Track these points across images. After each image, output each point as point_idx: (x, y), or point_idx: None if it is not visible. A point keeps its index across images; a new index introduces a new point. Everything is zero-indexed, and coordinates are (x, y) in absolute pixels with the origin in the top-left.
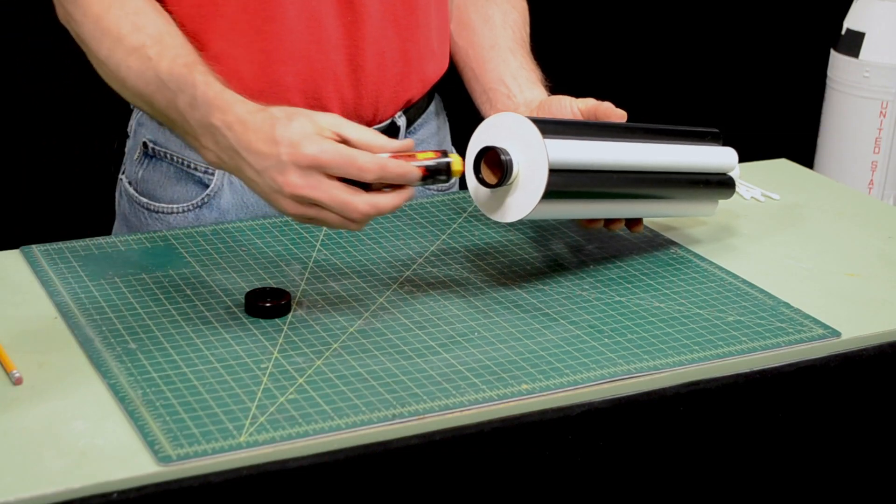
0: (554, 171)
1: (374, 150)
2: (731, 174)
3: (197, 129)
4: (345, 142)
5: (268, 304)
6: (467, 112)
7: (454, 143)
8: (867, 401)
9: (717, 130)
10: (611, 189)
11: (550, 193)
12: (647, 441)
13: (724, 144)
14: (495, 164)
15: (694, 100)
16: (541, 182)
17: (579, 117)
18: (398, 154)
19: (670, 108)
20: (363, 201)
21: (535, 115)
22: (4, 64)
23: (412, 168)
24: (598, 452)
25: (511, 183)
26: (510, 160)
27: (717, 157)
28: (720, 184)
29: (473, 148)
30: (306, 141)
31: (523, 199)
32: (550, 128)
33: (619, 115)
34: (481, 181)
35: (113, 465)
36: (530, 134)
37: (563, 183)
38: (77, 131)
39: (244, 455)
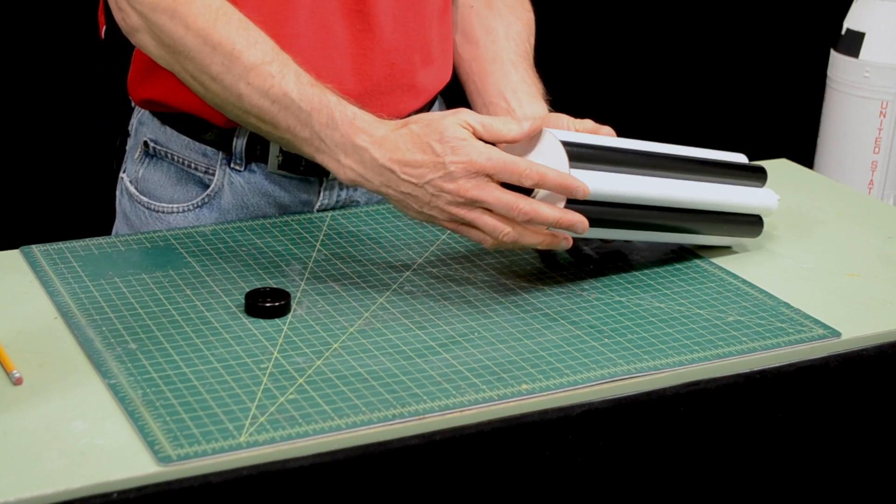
0: (573, 202)
1: (505, 139)
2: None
3: (337, 149)
4: (478, 135)
5: (268, 304)
6: None
7: None
8: (867, 401)
9: (761, 166)
10: (629, 219)
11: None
12: (647, 441)
13: (725, 144)
14: None
15: (694, 100)
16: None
17: None
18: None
19: (670, 109)
20: (527, 202)
21: None
22: (5, 63)
23: (575, 180)
24: (598, 452)
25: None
26: None
27: (754, 198)
28: (749, 223)
29: None
30: (466, 148)
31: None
32: (581, 153)
33: None
34: None
35: (113, 465)
36: (559, 157)
37: (581, 212)
38: (78, 130)
39: (244, 455)
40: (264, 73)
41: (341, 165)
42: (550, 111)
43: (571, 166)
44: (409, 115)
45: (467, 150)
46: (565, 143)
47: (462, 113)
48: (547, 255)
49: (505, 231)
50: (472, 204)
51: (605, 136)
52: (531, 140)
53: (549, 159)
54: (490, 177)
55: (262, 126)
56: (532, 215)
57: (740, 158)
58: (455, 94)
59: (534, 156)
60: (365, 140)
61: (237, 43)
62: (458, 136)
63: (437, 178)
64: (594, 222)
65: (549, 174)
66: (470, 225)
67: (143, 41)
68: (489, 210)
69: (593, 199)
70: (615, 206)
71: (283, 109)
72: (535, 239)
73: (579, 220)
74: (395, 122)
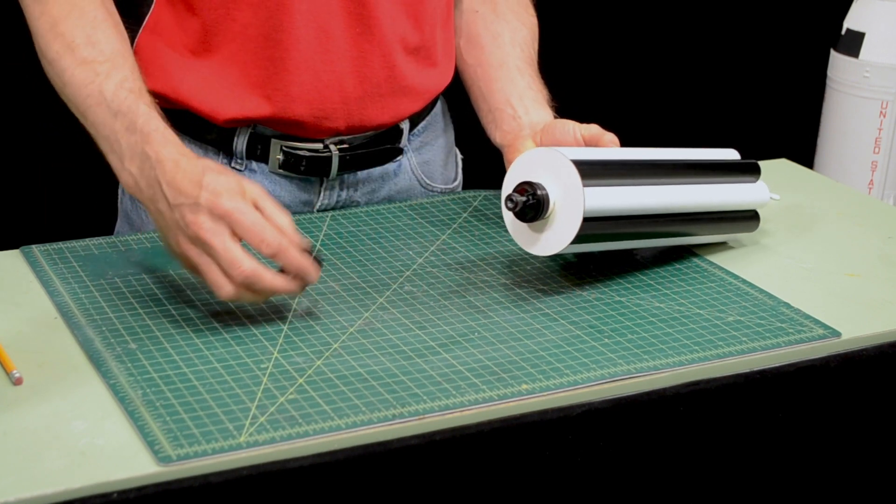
0: (588, 219)
1: (281, 228)
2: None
3: (125, 151)
4: (258, 206)
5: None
6: (472, 113)
7: (458, 145)
8: (867, 401)
9: (755, 162)
10: (640, 230)
11: (581, 237)
12: (647, 441)
13: (725, 144)
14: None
15: (694, 100)
16: (574, 226)
17: (582, 143)
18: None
19: (671, 109)
20: (249, 265)
21: (538, 137)
22: (5, 63)
23: (311, 264)
24: (598, 452)
25: (545, 219)
26: (546, 195)
27: (749, 194)
28: (746, 219)
29: (512, 178)
30: (227, 195)
31: (553, 239)
32: (591, 171)
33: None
34: (514, 211)
35: (113, 465)
36: (571, 177)
37: (596, 227)
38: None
39: (244, 455)
40: (90, 70)
41: (124, 168)
42: (556, 117)
43: (584, 185)
44: (408, 117)
45: (223, 192)
46: (576, 163)
47: (255, 186)
48: (547, 255)
49: (225, 289)
50: (202, 246)
51: (607, 148)
52: (542, 161)
53: (560, 178)
54: (232, 229)
55: (78, 116)
56: (252, 280)
57: (732, 155)
58: (456, 95)
59: (545, 175)
60: (153, 151)
61: (77, 38)
62: (230, 184)
63: (186, 205)
64: (603, 237)
65: (291, 252)
66: (195, 268)
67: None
68: (217, 261)
69: (604, 215)
70: (624, 218)
71: (94, 106)
72: (255, 299)
73: (309, 275)
74: (191, 152)
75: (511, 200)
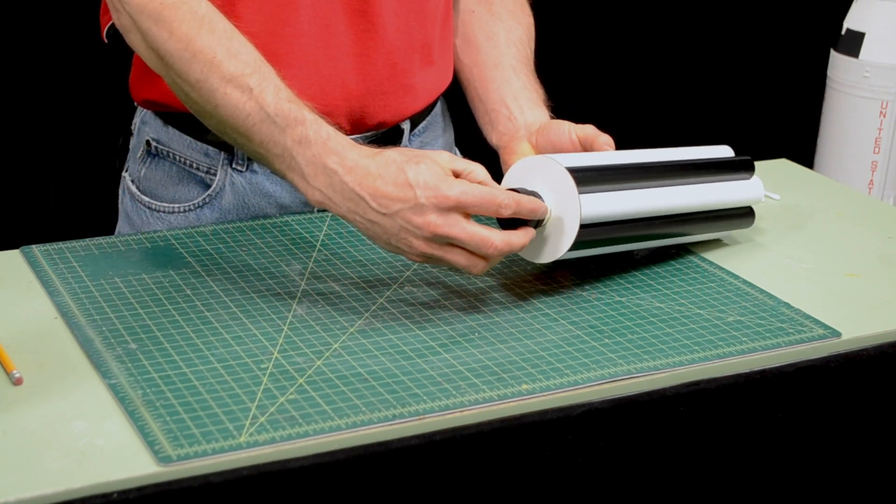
0: (585, 226)
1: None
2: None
3: (305, 168)
4: (458, 176)
5: None
6: (471, 114)
7: (458, 146)
8: (867, 401)
9: (749, 158)
10: (636, 233)
11: (578, 244)
12: (647, 441)
13: (725, 144)
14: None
15: (694, 100)
16: (571, 234)
17: (577, 144)
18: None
19: (671, 110)
20: (499, 238)
21: (534, 138)
22: (5, 63)
23: (542, 204)
24: (598, 452)
25: (542, 228)
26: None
27: (745, 191)
28: (742, 215)
29: (508, 186)
30: (444, 184)
31: (550, 247)
32: (586, 177)
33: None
34: (502, 224)
35: (113, 465)
36: (567, 185)
37: (593, 234)
38: (78, 130)
39: (244, 455)
40: (243, 84)
41: (310, 186)
42: (552, 117)
43: (580, 191)
44: (410, 116)
45: (438, 183)
46: (571, 170)
47: (442, 154)
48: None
49: (479, 267)
50: (442, 240)
51: (601, 152)
52: (537, 169)
53: (556, 186)
54: (463, 211)
55: (238, 138)
56: (506, 250)
57: (726, 152)
58: (456, 96)
59: (541, 183)
60: (335, 162)
61: (218, 52)
62: (434, 170)
63: (405, 210)
64: (601, 242)
65: (524, 201)
66: (440, 260)
67: (134, 41)
68: (460, 246)
69: (601, 221)
70: (621, 223)
71: (258, 123)
72: (518, 247)
73: (541, 211)
74: (370, 148)
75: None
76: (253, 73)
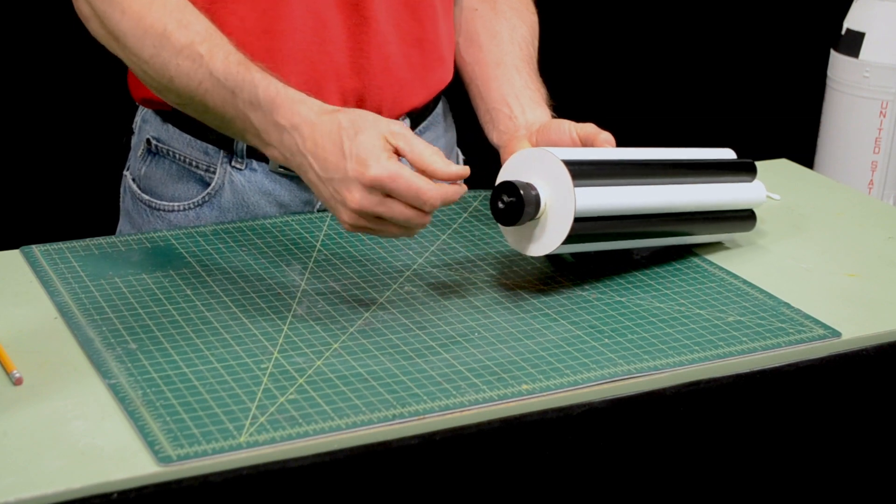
0: (579, 220)
1: (431, 174)
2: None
3: (259, 128)
4: (402, 154)
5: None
6: (473, 114)
7: (459, 145)
8: (867, 401)
9: (751, 161)
10: (633, 230)
11: (573, 237)
12: (647, 441)
13: (725, 145)
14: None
15: (694, 100)
16: (565, 227)
17: (577, 142)
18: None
19: (671, 110)
20: (433, 196)
21: (534, 137)
22: (5, 61)
23: (464, 189)
24: (598, 452)
25: (536, 220)
26: (537, 195)
27: (745, 194)
28: (743, 218)
29: (500, 179)
30: (373, 161)
31: (545, 239)
32: (582, 171)
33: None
34: (496, 216)
35: (113, 465)
36: (562, 178)
37: (587, 227)
38: (78, 130)
39: (244, 455)
40: (193, 53)
41: (267, 143)
42: (553, 116)
43: (575, 185)
44: (410, 112)
45: (368, 159)
46: (567, 163)
47: (394, 125)
48: (547, 255)
49: (413, 232)
50: (369, 215)
51: (601, 148)
52: (533, 161)
53: (551, 179)
54: (388, 194)
55: (197, 108)
56: (438, 205)
57: (729, 154)
58: (457, 95)
59: (536, 176)
60: (285, 119)
61: (168, 24)
62: (371, 144)
63: (336, 179)
64: (597, 237)
65: (449, 191)
66: (371, 231)
67: (94, 29)
68: (394, 222)
69: (596, 215)
70: (617, 218)
71: (210, 90)
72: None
73: (461, 191)
74: (322, 105)
75: (491, 207)
76: (203, 41)
